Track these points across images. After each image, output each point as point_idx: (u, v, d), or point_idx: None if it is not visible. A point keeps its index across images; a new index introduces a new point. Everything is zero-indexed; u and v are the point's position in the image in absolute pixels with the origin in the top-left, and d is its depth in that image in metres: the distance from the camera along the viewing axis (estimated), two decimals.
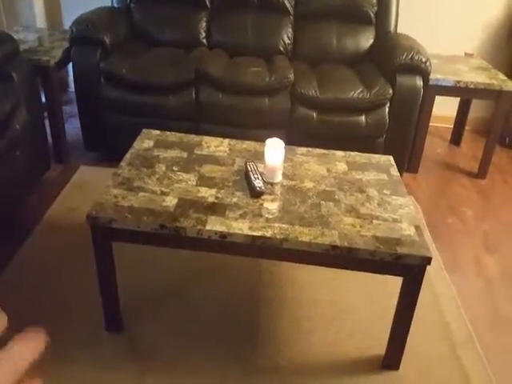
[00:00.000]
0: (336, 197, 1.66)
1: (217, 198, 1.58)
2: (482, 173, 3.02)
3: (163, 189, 1.58)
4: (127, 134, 2.57)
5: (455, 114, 3.37)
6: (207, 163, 1.77)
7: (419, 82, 2.57)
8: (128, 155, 1.76)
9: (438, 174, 3.05)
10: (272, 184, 1.71)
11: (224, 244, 1.47)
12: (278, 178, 1.73)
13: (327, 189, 1.71)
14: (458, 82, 2.78)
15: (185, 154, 1.80)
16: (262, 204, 1.58)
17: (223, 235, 1.43)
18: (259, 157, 1.84)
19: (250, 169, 1.72)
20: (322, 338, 1.74)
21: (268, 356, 1.65)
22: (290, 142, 2.65)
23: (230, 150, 1.88)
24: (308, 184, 1.73)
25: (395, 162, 1.98)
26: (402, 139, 2.67)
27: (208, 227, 1.43)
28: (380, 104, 2.56)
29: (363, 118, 2.56)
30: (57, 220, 2.17)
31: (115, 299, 1.59)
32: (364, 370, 1.65)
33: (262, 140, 1.75)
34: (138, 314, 1.76)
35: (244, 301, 1.88)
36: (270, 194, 1.65)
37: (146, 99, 2.52)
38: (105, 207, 1.46)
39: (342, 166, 1.87)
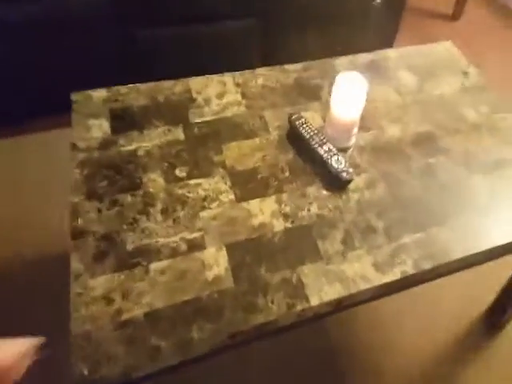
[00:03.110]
0: (443, 143, 0.97)
1: (286, 217, 0.82)
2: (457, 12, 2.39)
3: (187, 234, 0.79)
4: None
5: None
6: (227, 139, 0.95)
7: None
8: (75, 169, 0.87)
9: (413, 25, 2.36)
10: (345, 150, 0.96)
11: (340, 308, 0.78)
12: (353, 140, 0.98)
13: (421, 129, 1.00)
14: None
15: (179, 131, 0.95)
16: (360, 204, 0.86)
17: (340, 301, 0.74)
18: (292, 98, 1.05)
19: (304, 131, 0.94)
20: None
21: None
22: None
23: (243, 96, 1.04)
24: (392, 129, 1.00)
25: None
26: None
27: (314, 300, 0.71)
28: None
29: None
30: None
31: None
32: None
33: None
34: None
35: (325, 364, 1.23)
36: (357, 173, 0.92)
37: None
38: (102, 352, 0.66)
39: (408, 78, 1.13)
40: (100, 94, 1.00)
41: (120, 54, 1.61)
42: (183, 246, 0.77)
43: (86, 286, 0.70)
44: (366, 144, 0.97)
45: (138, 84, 1.03)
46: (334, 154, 0.91)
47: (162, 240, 0.77)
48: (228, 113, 1.00)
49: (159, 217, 0.80)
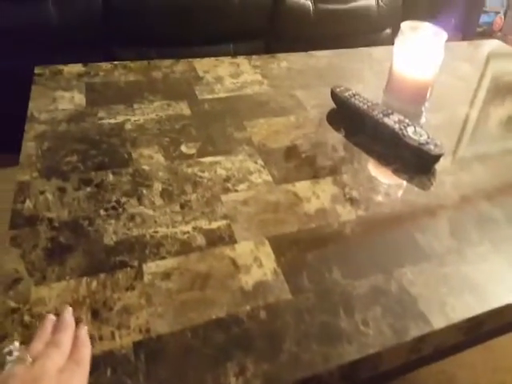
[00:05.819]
0: None
1: (355, 203, 0.53)
2: None
3: (204, 223, 0.48)
4: None
5: None
6: (250, 116, 0.67)
7: None
8: (29, 142, 0.57)
9: None
10: (416, 120, 0.71)
11: (477, 335, 0.47)
12: (426, 106, 0.73)
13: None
14: None
15: (184, 106, 0.68)
16: (459, 188, 0.58)
17: (479, 321, 0.44)
18: (327, 79, 0.81)
19: (358, 103, 0.68)
20: None
21: None
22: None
23: (264, 76, 0.80)
24: (459, 108, 0.76)
25: None
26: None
27: (437, 321, 0.41)
28: None
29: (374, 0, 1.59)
30: None
31: None
32: None
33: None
34: None
35: None
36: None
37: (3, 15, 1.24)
38: None
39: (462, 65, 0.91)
40: (73, 68, 0.74)
41: None
42: (199, 239, 0.47)
43: (28, 297, 0.39)
44: (435, 117, 0.72)
45: (126, 62, 0.78)
46: (409, 125, 0.64)
47: (163, 230, 0.47)
48: (247, 91, 0.75)
49: (158, 200, 0.50)
